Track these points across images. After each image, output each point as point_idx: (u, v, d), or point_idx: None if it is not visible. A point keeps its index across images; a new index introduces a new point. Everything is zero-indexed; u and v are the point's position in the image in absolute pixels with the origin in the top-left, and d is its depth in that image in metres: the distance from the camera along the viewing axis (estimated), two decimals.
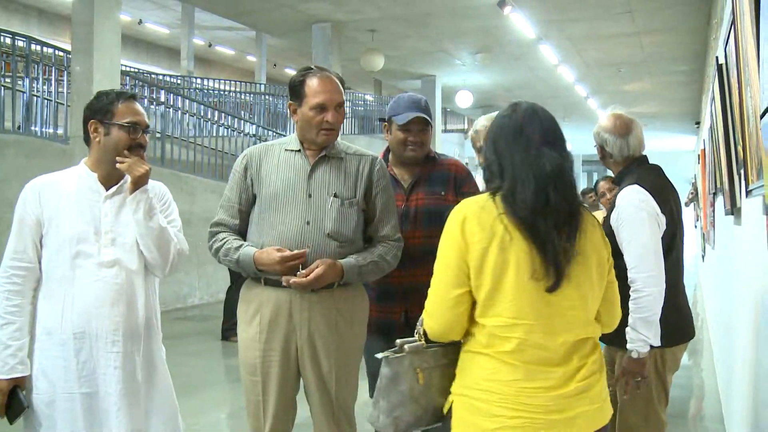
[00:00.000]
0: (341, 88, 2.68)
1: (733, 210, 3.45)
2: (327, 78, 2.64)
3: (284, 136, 13.76)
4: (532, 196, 1.80)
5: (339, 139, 2.76)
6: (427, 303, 1.91)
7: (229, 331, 7.54)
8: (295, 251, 2.50)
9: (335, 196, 2.65)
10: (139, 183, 2.48)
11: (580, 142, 25.41)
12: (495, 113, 3.09)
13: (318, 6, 9.98)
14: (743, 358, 3.00)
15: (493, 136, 1.94)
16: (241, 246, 2.62)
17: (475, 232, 1.82)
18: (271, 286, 2.59)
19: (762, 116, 1.68)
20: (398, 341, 1.97)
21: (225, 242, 2.68)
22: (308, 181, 2.63)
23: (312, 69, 2.68)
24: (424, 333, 1.96)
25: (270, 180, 2.66)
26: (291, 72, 24.98)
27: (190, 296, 10.36)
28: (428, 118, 2.96)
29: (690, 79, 14.35)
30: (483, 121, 3.13)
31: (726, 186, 3.64)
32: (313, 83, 2.61)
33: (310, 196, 2.62)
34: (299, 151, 2.68)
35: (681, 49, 12.17)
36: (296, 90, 2.65)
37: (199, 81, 18.72)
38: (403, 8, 10.03)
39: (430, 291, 1.90)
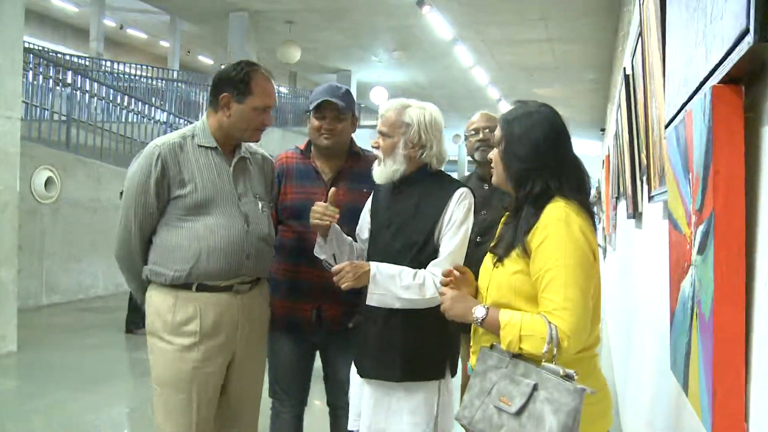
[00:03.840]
0: None
1: (635, 214, 3.61)
2: (270, 79, 2.61)
3: (193, 123, 13.60)
4: (588, 191, 1.94)
5: None
6: (572, 321, 1.73)
7: (133, 323, 7.36)
8: None
9: (260, 198, 2.64)
10: None
11: None
12: (488, 112, 3.42)
13: None
14: (639, 355, 3.14)
15: (547, 135, 1.91)
16: None
17: (592, 239, 1.83)
18: (209, 292, 2.52)
19: (666, 126, 1.77)
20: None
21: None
22: (235, 183, 2.58)
23: (254, 65, 2.60)
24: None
25: (197, 181, 2.53)
26: (205, 60, 24.53)
27: (93, 287, 9.99)
28: (339, 103, 2.86)
29: (597, 87, 14.89)
30: (487, 120, 3.36)
31: (629, 191, 3.80)
32: (262, 83, 2.56)
33: (240, 198, 2.58)
34: (215, 148, 2.59)
35: (589, 58, 12.62)
36: (238, 85, 2.54)
37: (108, 64, 18.09)
38: (321, 1, 10.00)
39: (570, 307, 1.74)
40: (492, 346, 1.88)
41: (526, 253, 1.84)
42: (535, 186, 1.87)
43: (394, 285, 2.40)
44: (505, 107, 18.14)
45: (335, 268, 2.40)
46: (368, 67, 15.09)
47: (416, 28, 11.18)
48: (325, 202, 2.71)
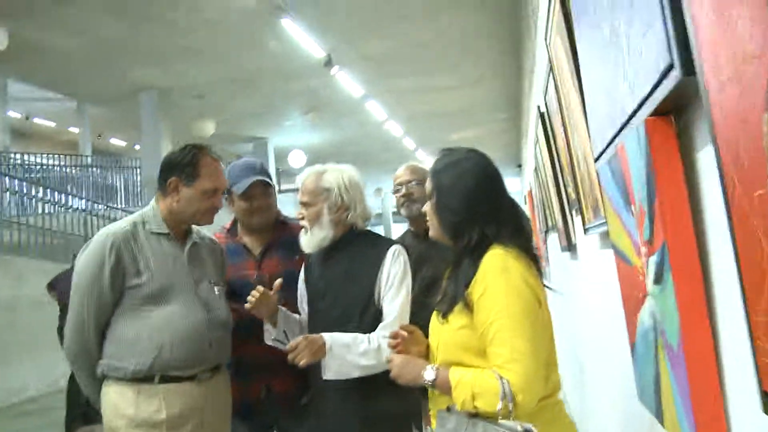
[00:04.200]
0: None
1: (570, 246, 3.67)
2: (218, 161, 2.57)
3: (113, 208, 13.27)
4: (529, 235, 1.91)
5: None
6: (524, 373, 1.65)
7: (74, 422, 7.00)
8: None
9: (215, 283, 2.58)
10: None
11: None
12: (414, 163, 3.19)
13: (142, 73, 9.76)
14: (592, 384, 3.15)
15: (479, 182, 1.87)
16: None
17: (537, 285, 1.78)
18: (172, 383, 2.41)
19: (596, 160, 1.80)
20: None
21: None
22: (190, 269, 2.51)
23: (201, 147, 2.55)
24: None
25: (153, 270, 2.44)
26: (118, 142, 24.10)
27: (25, 389, 9.42)
28: (268, 181, 2.87)
29: (510, 126, 15.31)
30: (412, 173, 3.17)
31: (560, 224, 3.87)
32: (209, 165, 2.51)
33: (197, 285, 2.50)
34: (167, 234, 2.52)
35: (499, 98, 13.00)
36: (185, 168, 2.49)
37: (18, 156, 17.54)
38: (229, 71, 10.01)
39: (519, 358, 1.66)
40: (448, 409, 1.81)
41: (469, 307, 1.78)
42: (472, 236, 1.82)
43: (350, 353, 2.34)
44: (422, 155, 18.44)
45: (290, 345, 2.32)
46: (283, 131, 15.13)
47: (327, 89, 11.29)
48: (255, 277, 2.75)
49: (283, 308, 2.58)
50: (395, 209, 3.35)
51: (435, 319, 1.95)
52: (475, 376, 1.72)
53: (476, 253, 1.81)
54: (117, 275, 2.39)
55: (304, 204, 2.56)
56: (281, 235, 2.93)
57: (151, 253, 2.45)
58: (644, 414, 1.67)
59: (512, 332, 1.69)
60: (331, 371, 2.35)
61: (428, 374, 1.82)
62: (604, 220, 2.05)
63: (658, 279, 1.22)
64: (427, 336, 2.03)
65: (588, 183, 2.32)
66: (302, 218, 2.55)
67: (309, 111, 13.18)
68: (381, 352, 2.34)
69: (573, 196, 2.98)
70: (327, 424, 2.50)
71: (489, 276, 1.75)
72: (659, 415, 1.42)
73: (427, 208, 1.97)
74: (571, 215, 3.43)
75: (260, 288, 2.47)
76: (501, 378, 1.66)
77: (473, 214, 1.84)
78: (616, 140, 1.47)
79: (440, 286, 2.03)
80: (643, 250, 1.32)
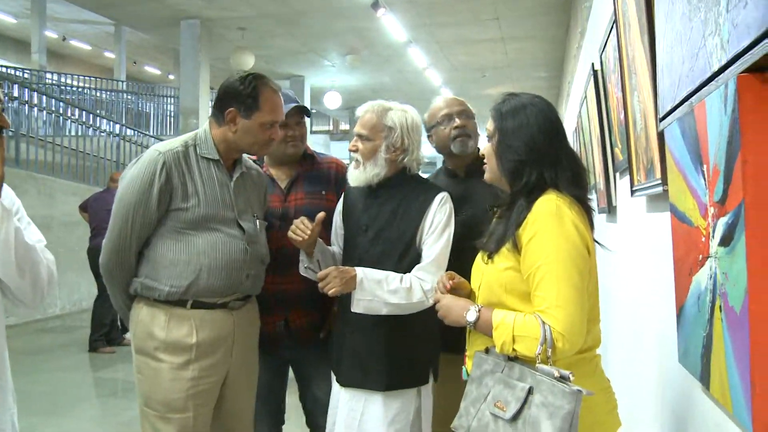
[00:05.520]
0: None
1: (609, 209, 3.63)
2: (278, 93, 2.51)
3: (145, 135, 13.32)
4: (586, 185, 1.90)
5: None
6: (566, 320, 1.66)
7: (97, 342, 7.20)
8: None
9: (257, 217, 2.57)
10: None
11: None
12: (450, 97, 2.96)
13: (187, 1, 9.68)
14: (621, 351, 3.15)
15: (542, 127, 1.87)
16: None
17: (586, 233, 1.77)
18: (204, 309, 2.42)
19: (662, 120, 1.77)
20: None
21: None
22: (235, 199, 2.49)
23: (261, 78, 2.49)
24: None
25: (199, 194, 2.42)
26: (152, 70, 24.10)
27: (51, 306, 9.67)
28: (306, 107, 2.85)
29: (549, 85, 15.08)
30: (462, 104, 2.91)
31: (602, 186, 3.82)
32: (270, 97, 2.46)
33: (240, 216, 2.49)
34: (217, 161, 2.49)
35: (541, 57, 12.78)
36: (245, 100, 2.43)
37: (53, 77, 17.64)
38: (275, 6, 9.91)
39: (563, 305, 1.68)
40: (487, 350, 1.83)
41: (517, 249, 1.79)
42: (531, 177, 1.83)
43: (381, 290, 2.35)
44: None
45: (320, 273, 2.34)
46: (321, 72, 15.04)
47: (370, 31, 11.16)
48: (280, 210, 2.78)
49: (321, 240, 2.57)
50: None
51: (479, 260, 1.96)
52: (517, 318, 1.73)
53: (531, 196, 1.82)
54: (164, 195, 2.37)
55: (361, 137, 2.52)
56: (309, 168, 2.92)
57: (200, 178, 2.43)
58: (683, 376, 1.67)
59: (559, 278, 1.69)
60: (360, 305, 2.37)
61: (471, 314, 1.83)
62: (657, 182, 2.02)
63: (727, 240, 1.20)
64: (468, 279, 2.03)
65: (643, 143, 2.28)
66: (355, 150, 2.52)
67: (349, 53, 13.06)
68: (412, 292, 2.36)
69: (621, 157, 2.93)
70: (349, 358, 2.51)
71: (541, 220, 1.75)
72: (704, 378, 1.41)
73: (486, 149, 1.96)
74: (615, 177, 3.38)
75: (304, 220, 2.46)
76: (543, 323, 1.67)
77: (535, 157, 1.84)
78: (692, 98, 1.43)
79: (480, 229, 2.04)
80: (711, 210, 1.30)
